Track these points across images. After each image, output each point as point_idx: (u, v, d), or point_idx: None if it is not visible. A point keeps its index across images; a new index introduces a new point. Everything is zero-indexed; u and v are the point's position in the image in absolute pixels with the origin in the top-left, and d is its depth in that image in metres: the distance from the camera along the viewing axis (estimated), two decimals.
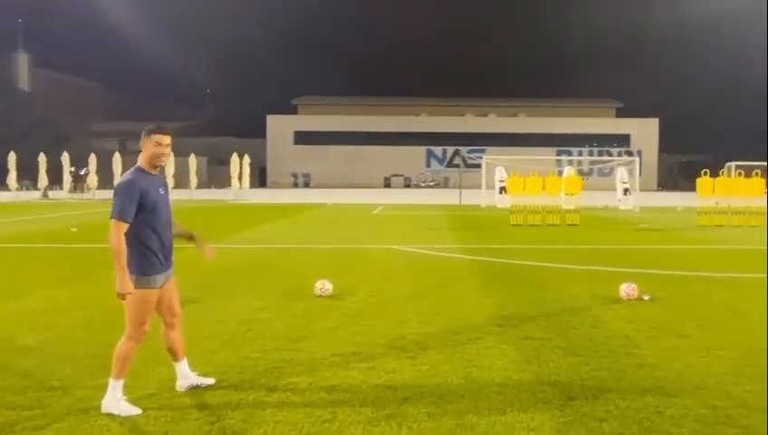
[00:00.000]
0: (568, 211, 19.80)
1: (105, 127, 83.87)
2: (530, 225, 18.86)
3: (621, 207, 28.32)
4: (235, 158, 40.96)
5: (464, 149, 79.66)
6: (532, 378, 4.53)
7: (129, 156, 45.69)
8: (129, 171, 3.91)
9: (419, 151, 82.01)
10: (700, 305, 7.10)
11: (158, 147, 3.88)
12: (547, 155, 62.82)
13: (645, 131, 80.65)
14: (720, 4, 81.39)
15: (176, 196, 37.29)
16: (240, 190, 40.74)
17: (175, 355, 4.20)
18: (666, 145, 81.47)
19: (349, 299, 7.32)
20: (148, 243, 3.84)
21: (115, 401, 3.82)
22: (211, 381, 4.33)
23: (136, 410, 3.82)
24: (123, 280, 3.73)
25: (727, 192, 20.03)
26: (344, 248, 12.90)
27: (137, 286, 3.80)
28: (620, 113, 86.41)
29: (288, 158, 79.96)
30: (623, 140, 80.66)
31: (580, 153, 75.84)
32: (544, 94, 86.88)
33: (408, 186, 78.42)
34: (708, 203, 20.00)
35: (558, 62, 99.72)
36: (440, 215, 24.01)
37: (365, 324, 6.09)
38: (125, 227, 3.73)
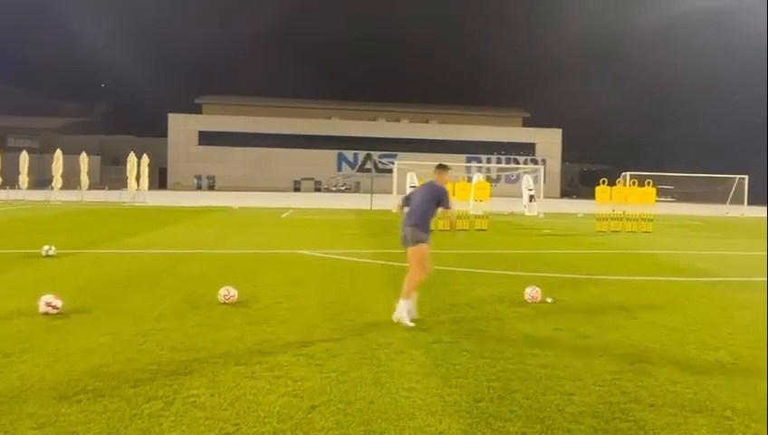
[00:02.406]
0: (477, 217, 20.35)
1: None
2: (439, 230, 19.10)
3: (527, 213, 29.50)
4: (132, 157, 38.69)
5: (375, 154, 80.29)
6: (441, 381, 4.55)
7: (11, 153, 41.74)
8: (440, 183, 6.66)
9: (330, 155, 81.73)
10: (598, 307, 7.46)
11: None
12: (457, 161, 64.54)
13: (549, 141, 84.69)
14: (622, 19, 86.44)
15: (64, 197, 35.23)
16: (137, 192, 38.54)
17: (404, 292, 6.40)
18: (568, 154, 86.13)
19: (255, 306, 7.09)
20: (430, 222, 6.54)
21: (406, 313, 6.23)
22: (411, 323, 6.18)
23: (410, 323, 6.15)
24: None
25: (622, 200, 21.34)
26: (251, 253, 12.56)
27: (424, 242, 6.44)
28: (527, 123, 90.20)
29: (191, 159, 77.16)
30: (529, 149, 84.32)
31: (488, 160, 78.30)
32: (455, 102, 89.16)
33: (318, 190, 77.99)
34: (606, 210, 21.22)
35: (469, 70, 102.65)
36: (351, 219, 23.99)
37: (272, 332, 5.91)
38: None
